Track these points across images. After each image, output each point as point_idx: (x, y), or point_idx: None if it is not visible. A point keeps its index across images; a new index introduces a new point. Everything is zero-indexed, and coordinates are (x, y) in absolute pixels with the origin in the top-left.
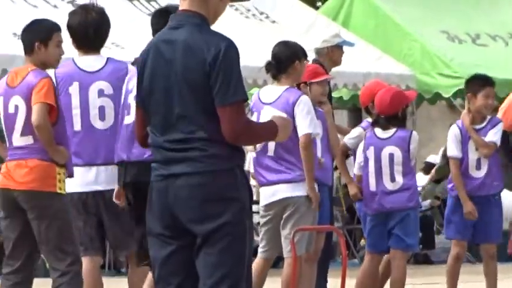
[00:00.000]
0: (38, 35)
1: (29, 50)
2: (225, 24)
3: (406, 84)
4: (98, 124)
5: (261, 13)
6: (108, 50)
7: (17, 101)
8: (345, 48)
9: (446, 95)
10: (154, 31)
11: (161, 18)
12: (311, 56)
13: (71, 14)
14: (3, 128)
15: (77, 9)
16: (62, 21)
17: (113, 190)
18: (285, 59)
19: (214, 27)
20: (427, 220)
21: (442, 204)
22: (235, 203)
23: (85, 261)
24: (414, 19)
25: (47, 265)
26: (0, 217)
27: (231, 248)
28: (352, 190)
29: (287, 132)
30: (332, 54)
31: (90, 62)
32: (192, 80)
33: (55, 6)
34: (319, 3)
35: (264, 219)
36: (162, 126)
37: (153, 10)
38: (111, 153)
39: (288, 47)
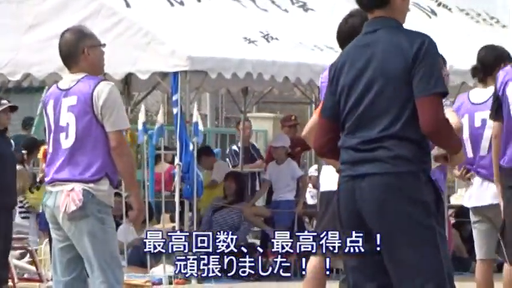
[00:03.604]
0: None
1: None
2: (459, 30)
3: None
4: None
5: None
6: None
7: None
8: None
9: None
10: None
11: None
12: None
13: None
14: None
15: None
16: (291, 24)
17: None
18: (492, 63)
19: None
20: None
21: None
22: (419, 206)
23: None
24: None
25: None
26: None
27: (418, 251)
28: None
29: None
30: None
31: None
32: (392, 75)
33: (285, 10)
34: None
35: None
36: (355, 126)
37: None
38: None
39: (495, 51)
